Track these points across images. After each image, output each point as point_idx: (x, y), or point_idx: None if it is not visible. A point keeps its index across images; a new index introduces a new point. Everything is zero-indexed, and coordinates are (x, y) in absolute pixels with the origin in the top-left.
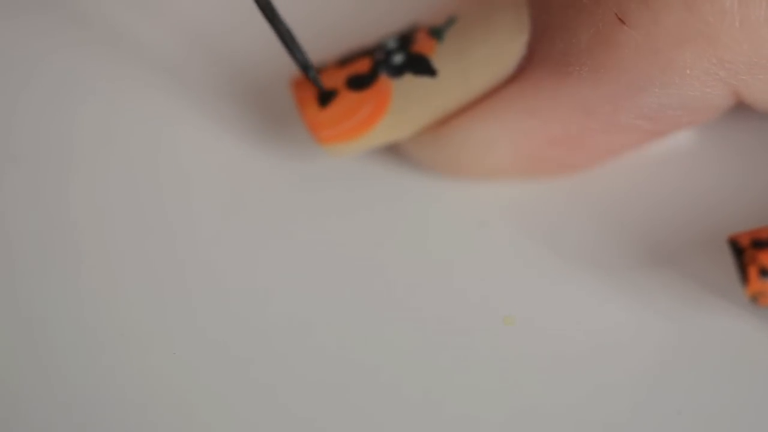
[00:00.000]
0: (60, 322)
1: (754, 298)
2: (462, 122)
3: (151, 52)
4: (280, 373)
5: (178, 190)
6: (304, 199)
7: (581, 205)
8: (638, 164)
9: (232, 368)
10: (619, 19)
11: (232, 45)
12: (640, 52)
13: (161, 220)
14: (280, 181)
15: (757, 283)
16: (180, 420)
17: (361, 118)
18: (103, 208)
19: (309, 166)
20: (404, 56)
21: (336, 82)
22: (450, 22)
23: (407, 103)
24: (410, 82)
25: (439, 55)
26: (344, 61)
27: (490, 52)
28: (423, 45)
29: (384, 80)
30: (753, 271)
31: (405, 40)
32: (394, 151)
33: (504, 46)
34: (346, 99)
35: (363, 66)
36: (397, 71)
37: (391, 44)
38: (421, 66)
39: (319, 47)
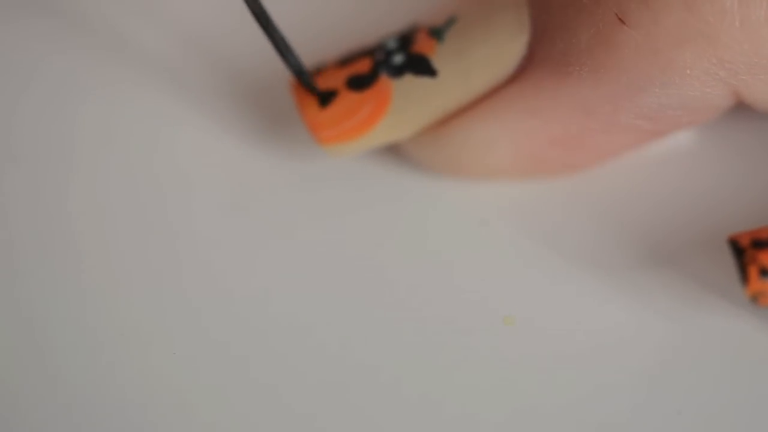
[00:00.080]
0: (60, 322)
1: (754, 298)
2: (462, 122)
3: (151, 52)
4: (281, 372)
5: (178, 190)
6: (304, 199)
7: (581, 205)
8: (638, 164)
9: (232, 368)
10: (619, 19)
11: (232, 45)
12: (640, 52)
13: (161, 220)
14: (280, 181)
15: (757, 283)
16: (180, 420)
17: (361, 118)
18: (103, 208)
19: (309, 166)
20: (404, 56)
21: (336, 83)
22: (450, 22)
23: (407, 104)
24: (410, 82)
25: (439, 56)
26: (344, 61)
27: (490, 52)
28: (423, 45)
29: (384, 80)
30: (753, 271)
31: (405, 40)
32: (394, 151)
33: (504, 46)
34: (346, 99)
35: (363, 66)
36: (398, 71)
37: (391, 44)
38: (422, 66)
39: (319, 47)
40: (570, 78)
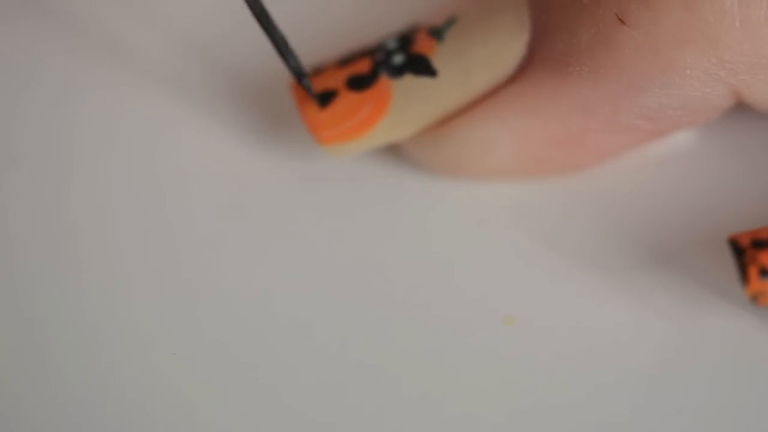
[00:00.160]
0: (60, 322)
1: (754, 298)
2: (462, 122)
3: (151, 53)
4: (281, 372)
5: (178, 191)
6: (304, 199)
7: (581, 205)
8: (638, 164)
9: (232, 368)
10: (619, 19)
11: (232, 46)
12: (640, 52)
13: (161, 220)
14: (280, 181)
15: (757, 283)
16: (180, 420)
17: (361, 118)
18: (104, 208)
19: (309, 166)
20: (404, 56)
21: (336, 83)
22: (450, 22)
23: (407, 104)
24: (410, 82)
25: (439, 56)
26: (344, 61)
27: (490, 53)
28: (423, 45)
29: (384, 80)
30: (753, 271)
31: (405, 40)
32: (394, 152)
33: (504, 47)
34: (346, 99)
35: (363, 66)
36: (398, 71)
37: (391, 44)
38: (422, 66)
39: (319, 47)
40: (570, 78)
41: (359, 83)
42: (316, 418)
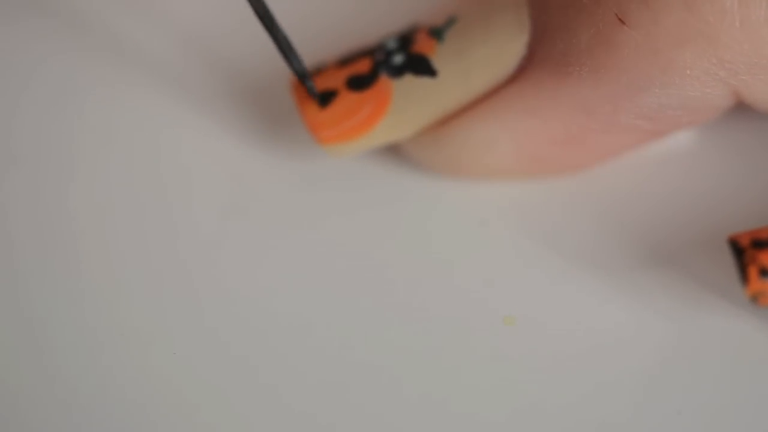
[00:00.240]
0: (60, 322)
1: (754, 298)
2: (462, 122)
3: (152, 53)
4: (281, 372)
5: (178, 191)
6: (304, 199)
7: (581, 205)
8: (638, 164)
9: (233, 368)
10: (619, 19)
11: (233, 46)
12: (640, 52)
13: (161, 220)
14: (280, 181)
15: (757, 283)
16: (181, 420)
17: (361, 118)
18: (104, 208)
19: (309, 166)
20: (404, 56)
21: (336, 83)
22: (450, 22)
23: (407, 104)
24: (410, 82)
25: (439, 56)
26: (344, 61)
27: (490, 53)
28: (423, 45)
29: (384, 80)
30: (753, 271)
31: (405, 40)
32: (394, 152)
33: (504, 47)
34: (346, 99)
35: (363, 66)
36: (398, 71)
37: (391, 44)
38: (422, 66)
39: (319, 47)
40: (570, 78)
41: (359, 83)
42: (316, 418)
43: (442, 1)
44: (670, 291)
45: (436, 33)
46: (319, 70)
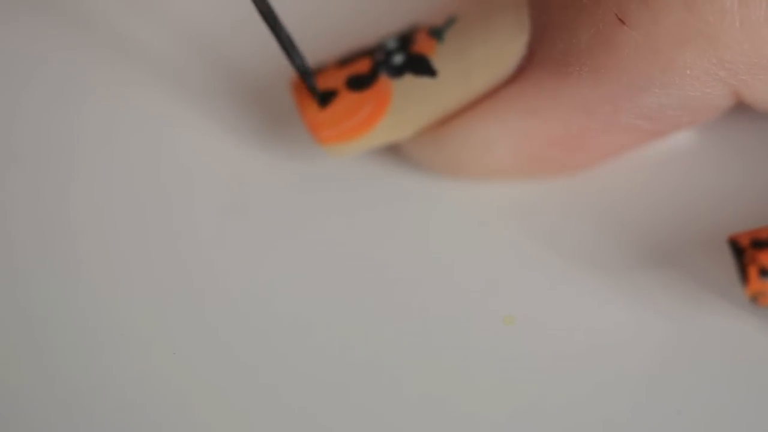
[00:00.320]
0: (60, 322)
1: (754, 298)
2: (462, 122)
3: (152, 52)
4: (281, 372)
5: (178, 190)
6: (304, 199)
7: (581, 205)
8: (638, 164)
9: (233, 368)
10: (619, 19)
11: (233, 45)
12: (640, 52)
13: (161, 220)
14: (280, 181)
15: (757, 283)
16: (181, 420)
17: (361, 118)
18: (104, 208)
19: (309, 166)
20: (404, 56)
21: (336, 83)
22: (450, 22)
23: (407, 104)
24: (410, 82)
25: (439, 56)
26: (344, 61)
27: (490, 52)
28: (423, 45)
29: (384, 80)
30: (753, 271)
31: (405, 40)
32: (394, 152)
33: (504, 46)
34: (346, 99)
35: (363, 66)
36: (397, 71)
37: (391, 44)
38: (421, 66)
39: (319, 47)
40: (570, 78)
41: (359, 83)
42: (316, 418)
43: (442, 1)
44: (670, 291)
45: (436, 33)
46: (319, 70)
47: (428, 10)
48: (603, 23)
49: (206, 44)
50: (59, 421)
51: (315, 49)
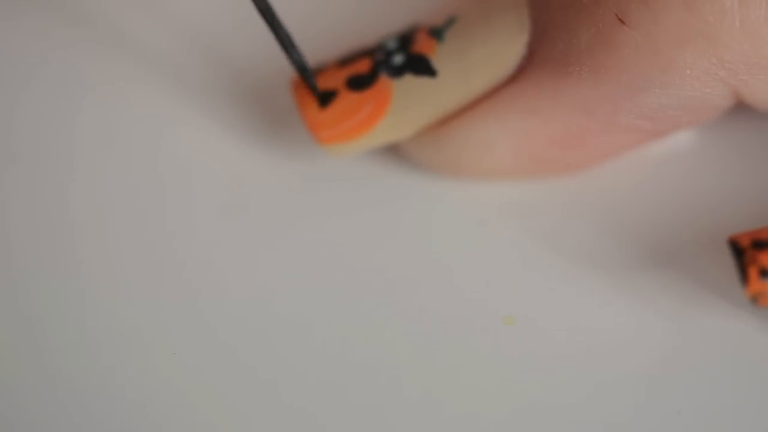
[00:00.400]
0: (60, 322)
1: (754, 299)
2: (462, 122)
3: (152, 51)
4: (281, 372)
5: (178, 190)
6: (304, 199)
7: (581, 205)
8: (638, 164)
9: (232, 368)
10: (619, 19)
11: (233, 45)
12: (640, 52)
13: (161, 219)
14: (280, 181)
15: (757, 284)
16: (181, 420)
17: (361, 118)
18: (104, 207)
19: (309, 166)
20: (404, 56)
21: (336, 83)
22: (450, 22)
23: (407, 104)
24: (410, 82)
25: (439, 56)
26: (344, 61)
27: (490, 53)
28: (423, 45)
29: (384, 80)
30: (753, 272)
31: (405, 40)
32: (394, 152)
33: (504, 47)
34: (346, 99)
35: (363, 66)
36: (397, 71)
37: (391, 44)
38: (421, 66)
39: (319, 47)
40: (570, 78)
41: (359, 83)
42: (316, 418)
43: (442, 1)
44: (670, 291)
45: (436, 33)
46: (319, 70)
47: (428, 10)
48: (603, 23)
49: (206, 44)
50: (59, 421)
51: (315, 49)
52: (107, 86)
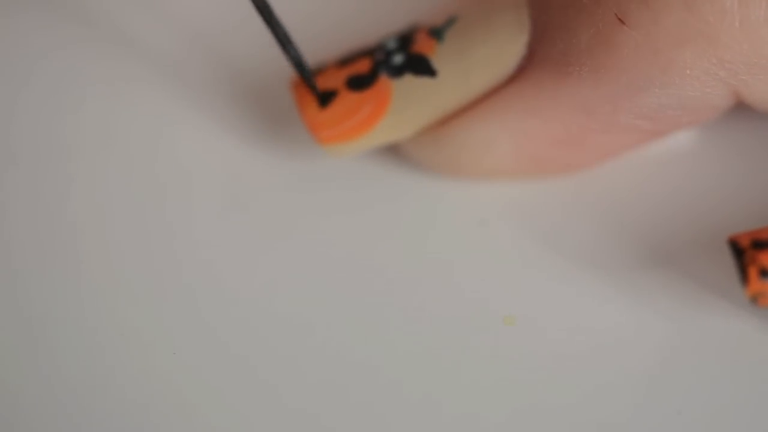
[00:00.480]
0: (60, 322)
1: (754, 299)
2: (462, 122)
3: (152, 51)
4: (281, 372)
5: (178, 190)
6: (304, 199)
7: (581, 205)
8: (638, 164)
9: (233, 368)
10: (619, 19)
11: (233, 45)
12: (640, 52)
13: (161, 219)
14: (280, 181)
15: (757, 284)
16: (181, 420)
17: (361, 118)
18: (103, 207)
19: (309, 166)
20: (404, 56)
21: (336, 83)
22: (450, 22)
23: (407, 104)
24: (410, 82)
25: (439, 56)
26: (344, 61)
27: (490, 53)
28: (423, 45)
29: (384, 80)
30: (753, 272)
31: (405, 40)
32: (394, 152)
33: (504, 46)
34: (346, 99)
35: (363, 66)
36: (397, 71)
37: (391, 44)
38: (421, 66)
39: (319, 47)
40: (570, 78)
41: (359, 83)
42: (316, 418)
43: (442, 1)
44: (670, 291)
45: (436, 33)
46: (319, 70)
47: (428, 10)
48: (603, 23)
49: (206, 44)
50: (59, 421)
51: (315, 49)
52: (107, 86)
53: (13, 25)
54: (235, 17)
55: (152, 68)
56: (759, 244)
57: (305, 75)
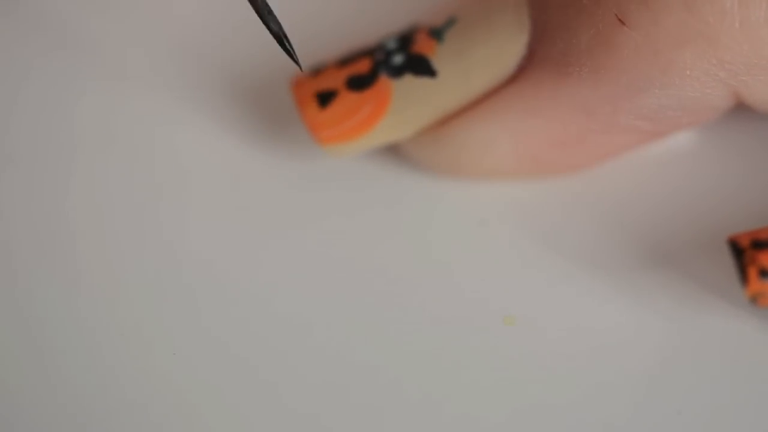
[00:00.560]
0: (59, 322)
1: (754, 299)
2: (462, 122)
3: (151, 51)
4: (281, 372)
5: (177, 190)
6: (304, 199)
7: (581, 205)
8: (638, 164)
9: (233, 368)
10: (619, 19)
11: (232, 45)
12: (639, 52)
13: (161, 219)
14: (280, 181)
15: (757, 284)
16: (181, 420)
17: (361, 118)
18: (103, 207)
19: (309, 166)
20: (404, 56)
21: (336, 83)
22: (450, 22)
23: (407, 104)
24: (410, 82)
25: (439, 56)
26: (344, 61)
27: (490, 53)
28: (423, 45)
29: (384, 80)
30: (753, 272)
31: (405, 40)
32: (394, 152)
33: (504, 47)
34: (346, 99)
35: (363, 66)
36: (397, 72)
37: (391, 44)
38: (421, 66)
39: (319, 47)
40: (570, 78)
41: (359, 83)
42: (316, 418)
43: (442, 1)
44: (670, 291)
45: (436, 33)
46: (319, 70)
47: (428, 10)
48: (603, 24)
49: (207, 44)
50: (59, 421)
51: (315, 49)
52: (106, 86)
53: (11, 27)
54: (235, 18)
55: (152, 68)
56: (759, 244)
57: (286, 48)
